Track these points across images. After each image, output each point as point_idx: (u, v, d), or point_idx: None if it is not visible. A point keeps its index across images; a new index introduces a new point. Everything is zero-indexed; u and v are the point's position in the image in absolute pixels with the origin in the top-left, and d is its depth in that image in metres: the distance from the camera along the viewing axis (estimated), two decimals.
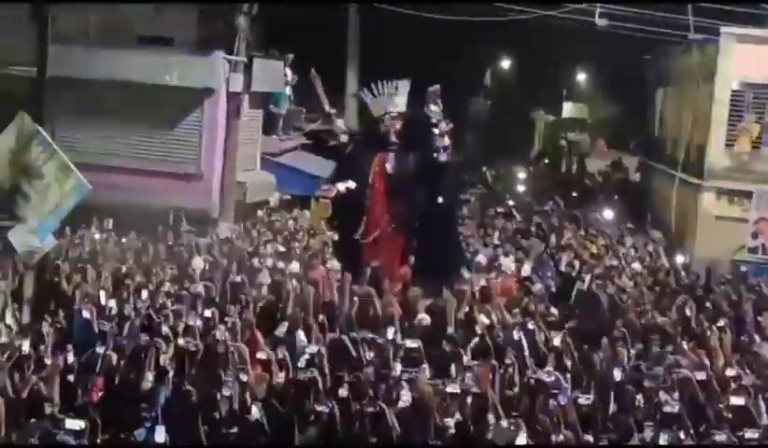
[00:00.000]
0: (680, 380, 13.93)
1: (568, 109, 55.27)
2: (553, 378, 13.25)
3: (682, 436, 12.12)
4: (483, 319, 16.27)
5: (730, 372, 14.25)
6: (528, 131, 54.58)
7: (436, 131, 18.50)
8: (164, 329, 14.74)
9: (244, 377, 12.93)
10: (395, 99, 18.83)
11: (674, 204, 29.67)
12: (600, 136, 51.71)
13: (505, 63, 52.67)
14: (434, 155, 18.52)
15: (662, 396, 13.15)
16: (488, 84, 51.38)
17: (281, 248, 21.63)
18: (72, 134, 24.42)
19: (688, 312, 17.71)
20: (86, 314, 14.98)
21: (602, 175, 46.25)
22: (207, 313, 15.27)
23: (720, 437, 12.39)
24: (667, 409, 12.28)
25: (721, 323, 17.26)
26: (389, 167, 18.73)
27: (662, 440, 11.87)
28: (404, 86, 18.86)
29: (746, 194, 27.00)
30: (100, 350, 13.64)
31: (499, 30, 41.71)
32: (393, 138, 18.81)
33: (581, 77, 53.98)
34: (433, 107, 18.81)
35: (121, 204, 23.59)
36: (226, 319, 15.28)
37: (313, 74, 19.50)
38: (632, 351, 15.37)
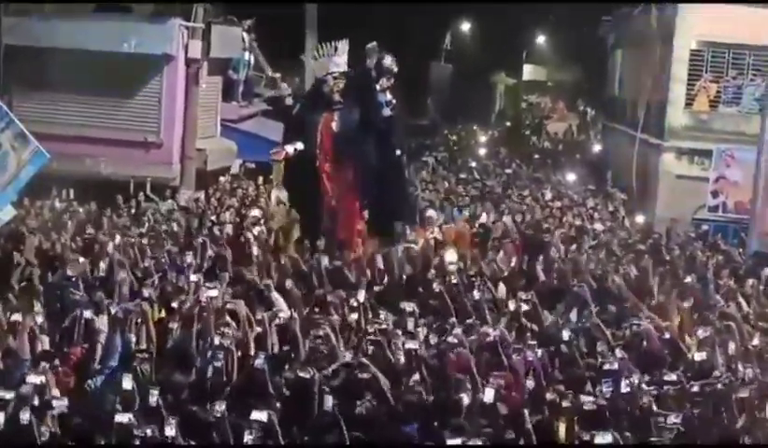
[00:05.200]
0: (640, 333, 14.03)
1: (529, 72, 55.41)
2: (498, 332, 13.33)
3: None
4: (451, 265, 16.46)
5: (697, 331, 14.32)
6: (489, 94, 54.68)
7: (378, 87, 18.63)
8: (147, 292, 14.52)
9: (226, 341, 12.81)
10: (336, 59, 18.95)
11: (635, 165, 29.79)
12: (560, 98, 51.91)
13: (465, 27, 52.63)
14: (378, 111, 18.65)
15: (599, 347, 13.26)
16: (448, 48, 51.36)
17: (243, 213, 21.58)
18: (29, 104, 24.16)
19: (650, 275, 17.71)
20: (71, 271, 14.92)
21: (562, 137, 46.46)
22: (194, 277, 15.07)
23: (670, 377, 12.53)
24: (606, 366, 12.38)
25: (687, 279, 17.34)
26: (335, 126, 18.84)
27: (623, 387, 11.98)
28: (343, 46, 19.01)
29: (705, 153, 27.19)
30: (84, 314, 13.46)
31: None
32: (337, 97, 18.92)
33: (541, 39, 54.06)
34: (373, 64, 18.91)
35: (81, 174, 23.51)
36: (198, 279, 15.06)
37: (250, 40, 19.59)
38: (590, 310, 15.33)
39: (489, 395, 11.61)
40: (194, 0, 25.40)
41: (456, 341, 13.10)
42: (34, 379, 11.13)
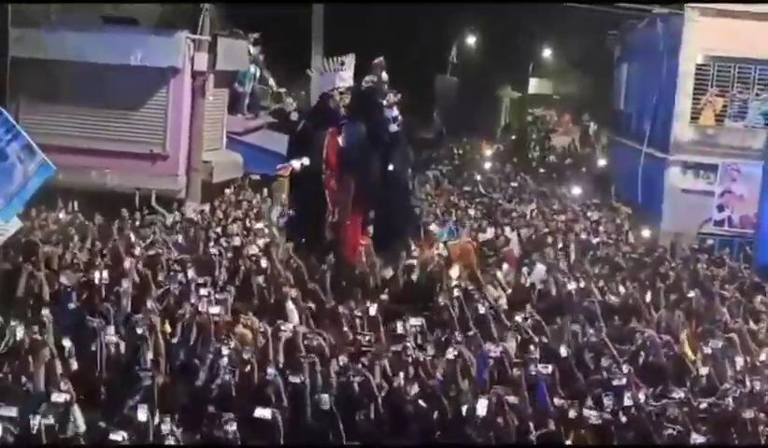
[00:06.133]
0: (645, 342, 14.03)
1: (534, 85, 55.36)
2: (501, 348, 13.32)
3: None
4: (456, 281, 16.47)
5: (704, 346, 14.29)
6: (495, 107, 54.66)
7: (385, 102, 18.63)
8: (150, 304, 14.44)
9: (246, 354, 12.78)
10: (342, 74, 18.94)
11: (640, 178, 29.79)
12: (566, 112, 51.87)
13: (472, 40, 52.63)
14: (385, 126, 18.66)
15: (604, 362, 13.24)
16: (454, 61, 51.33)
17: (248, 225, 21.62)
18: (36, 116, 24.14)
19: (652, 289, 17.66)
20: (66, 281, 14.84)
21: (567, 151, 46.43)
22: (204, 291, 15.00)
23: (679, 394, 12.51)
24: (615, 382, 12.37)
25: (691, 294, 17.32)
26: (341, 141, 18.80)
27: (626, 400, 11.97)
28: (349, 61, 18.98)
29: (711, 167, 27.21)
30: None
31: (465, 6, 41.92)
32: (343, 112, 18.89)
33: (547, 52, 54.02)
34: (380, 80, 18.92)
35: (87, 186, 23.56)
36: (208, 292, 15.00)
37: (255, 53, 19.55)
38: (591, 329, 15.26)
39: (482, 406, 11.59)
40: (200, 0, 25.42)
41: (456, 353, 13.11)
42: (57, 398, 11.03)
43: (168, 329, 14.02)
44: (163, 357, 13.07)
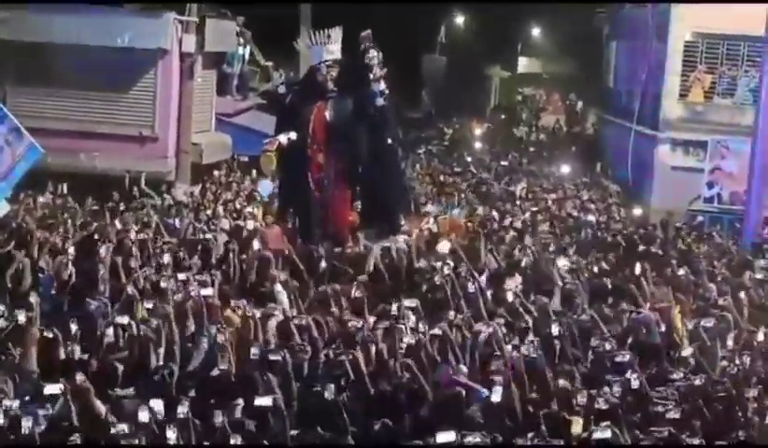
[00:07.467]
0: (638, 320, 14.03)
1: (524, 64, 55.32)
2: (491, 329, 13.27)
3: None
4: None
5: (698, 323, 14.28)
6: (484, 86, 54.58)
7: (372, 76, 18.58)
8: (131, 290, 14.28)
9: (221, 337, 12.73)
10: (329, 47, 18.82)
11: (630, 156, 29.81)
12: (555, 91, 51.84)
13: (460, 19, 52.56)
14: (372, 100, 18.61)
15: (606, 345, 13.20)
16: (443, 40, 51.29)
17: (238, 207, 21.62)
18: (24, 99, 24.16)
19: (638, 270, 17.59)
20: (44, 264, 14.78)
21: (557, 130, 46.43)
22: (182, 276, 14.85)
23: (678, 375, 12.50)
24: (618, 359, 12.33)
25: (681, 272, 17.34)
26: (328, 115, 18.75)
27: (634, 383, 11.94)
28: (336, 34, 18.88)
29: (701, 144, 27.26)
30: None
31: None
32: (331, 86, 18.83)
33: (536, 31, 53.94)
34: (368, 53, 18.83)
35: (75, 169, 23.54)
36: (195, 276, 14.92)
37: (241, 29, 19.37)
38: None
39: (496, 394, 11.49)
40: (190, 0, 25.39)
41: (440, 332, 13.11)
42: (51, 389, 10.86)
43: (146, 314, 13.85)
44: (179, 345, 12.87)
